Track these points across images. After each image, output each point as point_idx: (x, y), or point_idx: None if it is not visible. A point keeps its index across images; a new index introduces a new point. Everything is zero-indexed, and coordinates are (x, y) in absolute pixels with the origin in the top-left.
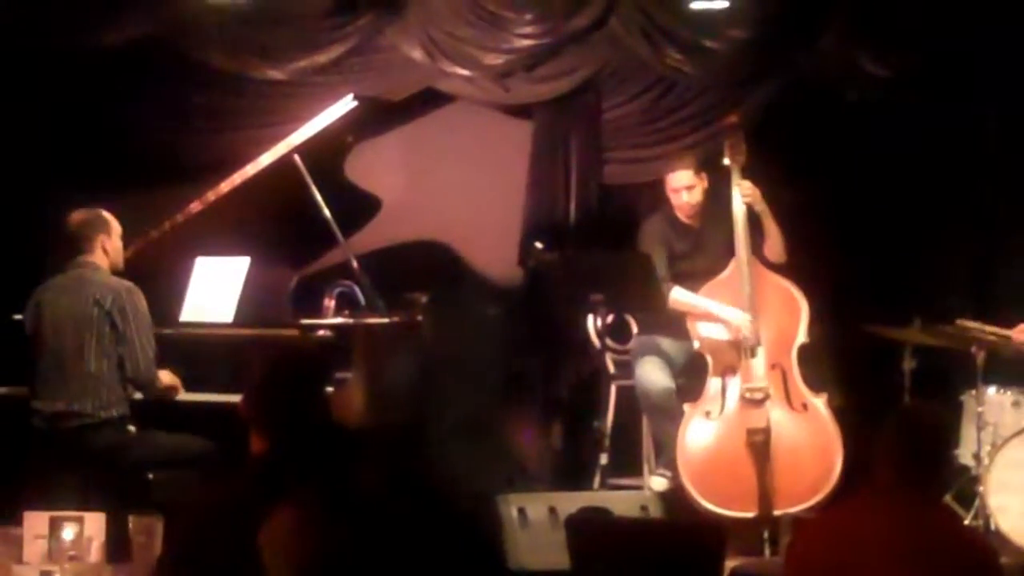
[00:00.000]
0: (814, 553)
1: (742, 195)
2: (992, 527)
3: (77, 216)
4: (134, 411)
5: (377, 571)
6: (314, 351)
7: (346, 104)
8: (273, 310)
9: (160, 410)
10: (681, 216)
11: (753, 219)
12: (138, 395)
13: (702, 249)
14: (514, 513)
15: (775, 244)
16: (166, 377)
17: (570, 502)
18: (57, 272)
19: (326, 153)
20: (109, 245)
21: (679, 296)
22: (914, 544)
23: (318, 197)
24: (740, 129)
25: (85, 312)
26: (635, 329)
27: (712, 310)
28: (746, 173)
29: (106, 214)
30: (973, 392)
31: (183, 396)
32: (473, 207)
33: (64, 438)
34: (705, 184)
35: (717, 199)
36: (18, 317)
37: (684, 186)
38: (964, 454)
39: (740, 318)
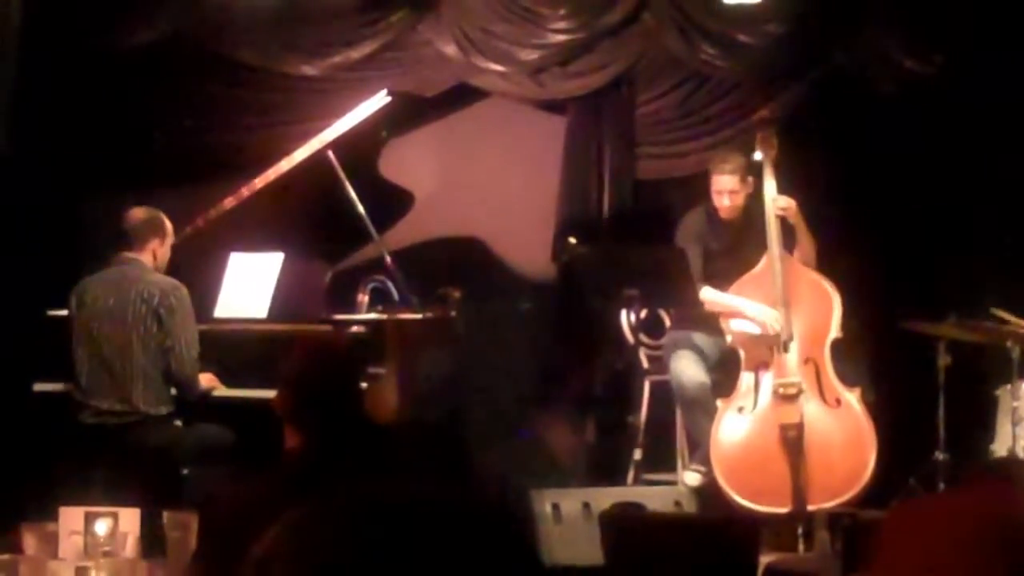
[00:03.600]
0: (915, 536)
1: (777, 208)
2: None
3: (137, 213)
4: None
5: (412, 567)
6: (348, 347)
7: (380, 100)
8: (307, 306)
9: (196, 405)
10: (721, 213)
11: (787, 227)
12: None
13: (739, 247)
14: (548, 508)
15: (806, 253)
16: (204, 380)
17: (604, 497)
18: (100, 266)
19: (360, 149)
20: (160, 251)
21: (708, 296)
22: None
23: (352, 193)
24: (772, 123)
25: (132, 310)
26: (668, 324)
27: (741, 308)
28: (780, 172)
29: (165, 219)
30: (1008, 387)
31: (219, 392)
32: (506, 202)
33: (116, 434)
34: (750, 189)
35: (753, 196)
36: (53, 313)
37: (728, 190)
38: (999, 449)
39: (769, 315)
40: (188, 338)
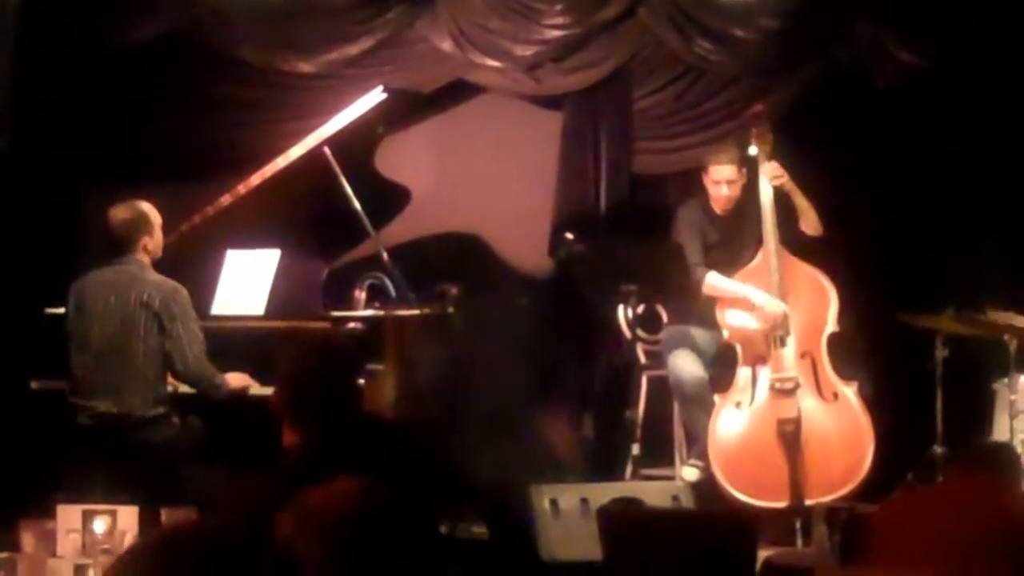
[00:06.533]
0: (904, 526)
1: (771, 177)
2: None
3: (119, 214)
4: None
5: (412, 559)
6: (345, 343)
7: (376, 96)
8: (304, 302)
9: (194, 403)
10: (716, 207)
11: (783, 200)
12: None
13: (732, 241)
14: (546, 504)
15: (809, 218)
16: (235, 380)
17: (602, 492)
18: (97, 266)
19: (356, 145)
20: (151, 243)
21: (714, 281)
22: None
23: (348, 189)
24: (766, 118)
25: (132, 312)
26: (666, 319)
27: (748, 295)
28: (775, 157)
29: (146, 208)
30: (1006, 380)
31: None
32: (503, 198)
33: (114, 435)
34: (745, 179)
35: (746, 189)
36: (52, 311)
37: (726, 179)
38: None
39: (774, 303)
40: (191, 337)
